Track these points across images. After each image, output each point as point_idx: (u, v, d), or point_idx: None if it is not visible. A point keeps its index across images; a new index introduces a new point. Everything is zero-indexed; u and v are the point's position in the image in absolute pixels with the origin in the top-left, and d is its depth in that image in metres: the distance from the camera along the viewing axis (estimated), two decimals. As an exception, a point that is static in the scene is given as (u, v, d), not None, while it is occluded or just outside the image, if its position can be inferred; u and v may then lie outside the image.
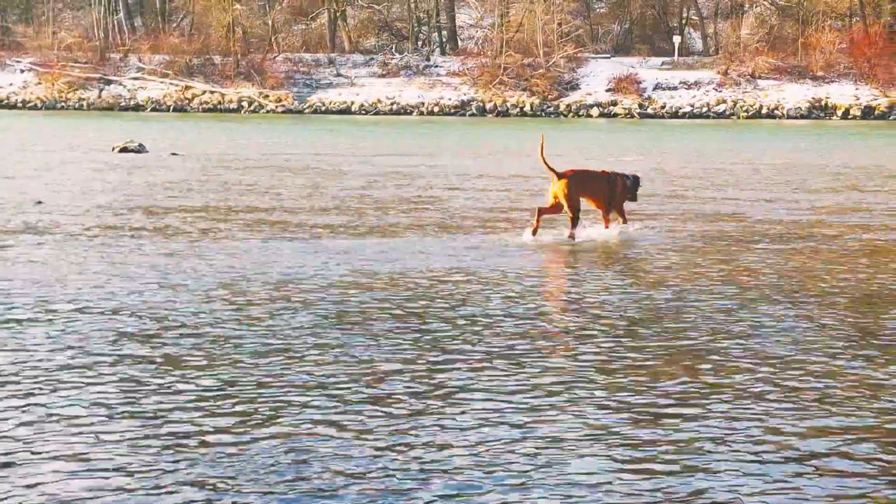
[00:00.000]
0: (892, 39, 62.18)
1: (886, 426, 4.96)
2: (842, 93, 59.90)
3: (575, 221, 10.95)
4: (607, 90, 62.18)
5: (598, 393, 5.43)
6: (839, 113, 58.40)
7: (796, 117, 58.26)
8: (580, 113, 61.05)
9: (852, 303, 7.88)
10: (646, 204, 13.90)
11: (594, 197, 11.24)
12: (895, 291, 8.42)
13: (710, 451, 4.58)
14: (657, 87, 61.99)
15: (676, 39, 68.52)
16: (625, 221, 11.49)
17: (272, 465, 4.38)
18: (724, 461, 4.46)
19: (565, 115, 61.03)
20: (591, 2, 73.57)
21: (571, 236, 10.92)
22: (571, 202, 10.89)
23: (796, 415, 5.09)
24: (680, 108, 60.19)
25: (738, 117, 58.92)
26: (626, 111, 60.31)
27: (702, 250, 10.49)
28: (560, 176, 10.93)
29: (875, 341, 6.60)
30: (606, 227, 11.41)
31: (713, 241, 11.14)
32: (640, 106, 60.60)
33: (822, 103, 59.27)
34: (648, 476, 4.30)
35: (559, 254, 10.42)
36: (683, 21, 73.04)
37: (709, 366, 5.98)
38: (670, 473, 4.33)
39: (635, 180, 11.46)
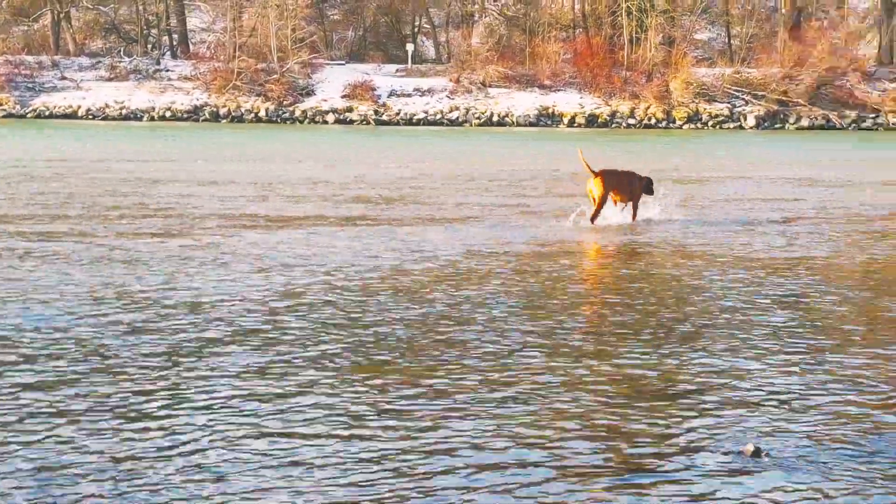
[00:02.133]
0: (613, 51, 65.00)
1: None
2: (567, 101, 62.03)
3: (598, 210, 13.25)
4: (343, 96, 62.20)
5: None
6: (566, 120, 60.48)
7: (525, 125, 59.93)
8: (316, 119, 60.81)
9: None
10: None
11: (620, 192, 13.48)
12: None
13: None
14: (392, 93, 62.51)
15: (410, 47, 69.32)
16: (633, 218, 13.64)
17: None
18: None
19: (301, 121, 60.67)
20: (324, 8, 73.50)
21: (592, 219, 13.24)
22: (604, 194, 13.22)
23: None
24: (414, 115, 60.88)
25: (471, 124, 60.14)
26: (362, 117, 60.53)
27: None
28: (595, 174, 13.20)
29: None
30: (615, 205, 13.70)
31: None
32: (376, 112, 60.94)
33: (550, 111, 61.20)
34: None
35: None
36: (416, 29, 73.99)
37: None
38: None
39: (649, 181, 13.80)
